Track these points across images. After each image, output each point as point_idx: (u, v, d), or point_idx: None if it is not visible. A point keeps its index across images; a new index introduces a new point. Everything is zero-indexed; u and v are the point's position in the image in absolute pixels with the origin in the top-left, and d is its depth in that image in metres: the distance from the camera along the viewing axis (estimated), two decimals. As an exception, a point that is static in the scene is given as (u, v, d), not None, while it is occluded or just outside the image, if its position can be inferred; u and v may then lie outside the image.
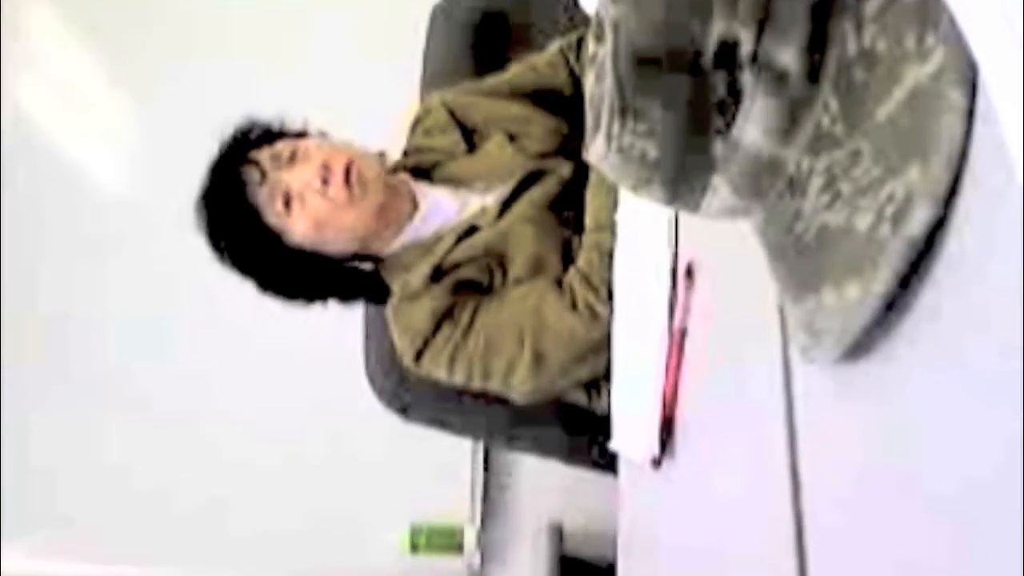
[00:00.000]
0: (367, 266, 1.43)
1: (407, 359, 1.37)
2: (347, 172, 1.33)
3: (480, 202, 1.42)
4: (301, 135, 1.43)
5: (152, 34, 2.66)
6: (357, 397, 1.70)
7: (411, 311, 1.36)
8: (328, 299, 1.46)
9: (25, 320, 2.52)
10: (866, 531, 0.49)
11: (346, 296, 1.47)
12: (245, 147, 1.38)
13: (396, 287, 1.39)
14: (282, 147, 1.37)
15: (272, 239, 1.35)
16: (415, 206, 1.41)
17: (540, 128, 1.45)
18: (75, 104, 2.70)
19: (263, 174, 1.34)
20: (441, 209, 1.42)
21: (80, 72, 2.70)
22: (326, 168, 1.32)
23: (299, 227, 1.34)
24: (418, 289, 1.35)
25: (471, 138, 1.48)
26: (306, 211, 1.33)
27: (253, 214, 1.34)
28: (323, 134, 1.44)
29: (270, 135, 1.41)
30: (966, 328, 0.41)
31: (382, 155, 1.48)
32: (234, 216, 1.35)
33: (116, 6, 2.67)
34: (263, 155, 1.35)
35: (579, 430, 1.54)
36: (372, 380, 1.67)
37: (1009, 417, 0.36)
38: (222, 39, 2.60)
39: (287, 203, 1.33)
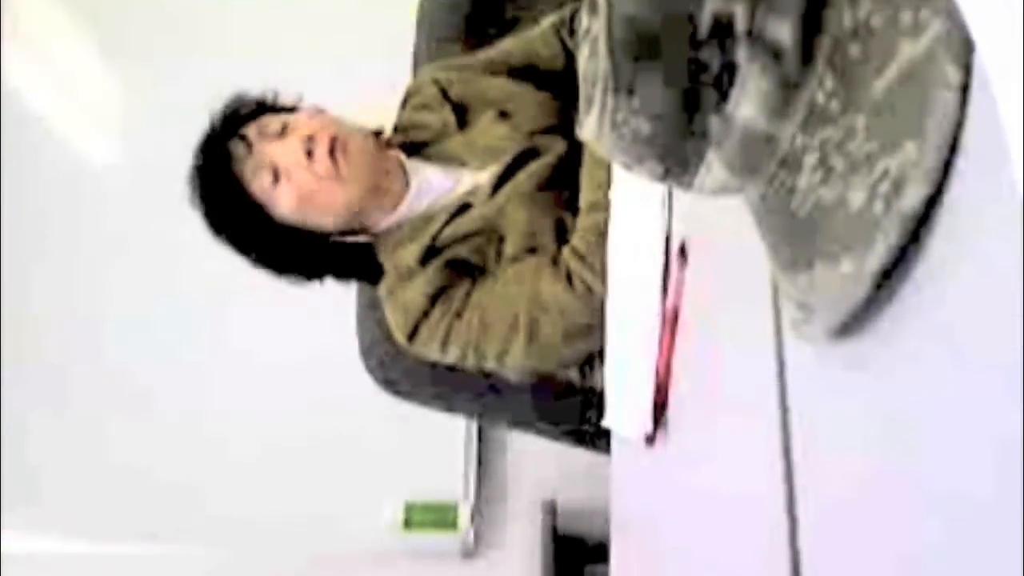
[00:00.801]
0: (362, 239, 1.42)
1: (400, 338, 1.37)
2: (332, 145, 1.32)
3: (472, 180, 1.41)
4: (293, 110, 1.42)
5: (150, 19, 2.65)
6: (351, 375, 1.70)
7: (404, 290, 1.35)
8: (322, 276, 1.45)
9: (23, 315, 2.52)
10: (858, 509, 0.49)
11: (338, 273, 1.47)
12: (235, 122, 1.37)
13: (389, 265, 1.39)
14: (270, 120, 1.36)
15: (257, 212, 1.35)
16: (407, 184, 1.40)
17: (532, 105, 1.44)
18: (72, 91, 2.69)
19: (249, 147, 1.33)
20: (433, 187, 1.41)
21: (77, 59, 2.69)
22: (311, 140, 1.32)
23: (284, 201, 1.33)
24: (411, 268, 1.35)
25: (463, 115, 1.47)
26: (292, 184, 1.32)
27: (238, 187, 1.34)
28: (320, 110, 1.43)
29: (261, 108, 1.40)
30: (960, 306, 0.41)
31: (379, 133, 1.47)
32: (220, 189, 1.35)
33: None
34: (251, 129, 1.35)
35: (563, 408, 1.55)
36: (366, 358, 1.67)
37: (1003, 396, 0.36)
38: (220, 24, 2.59)
39: (276, 177, 1.32)
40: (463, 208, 1.37)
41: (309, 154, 1.31)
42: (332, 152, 1.32)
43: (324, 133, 1.33)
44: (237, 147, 1.34)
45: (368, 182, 1.35)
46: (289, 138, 1.33)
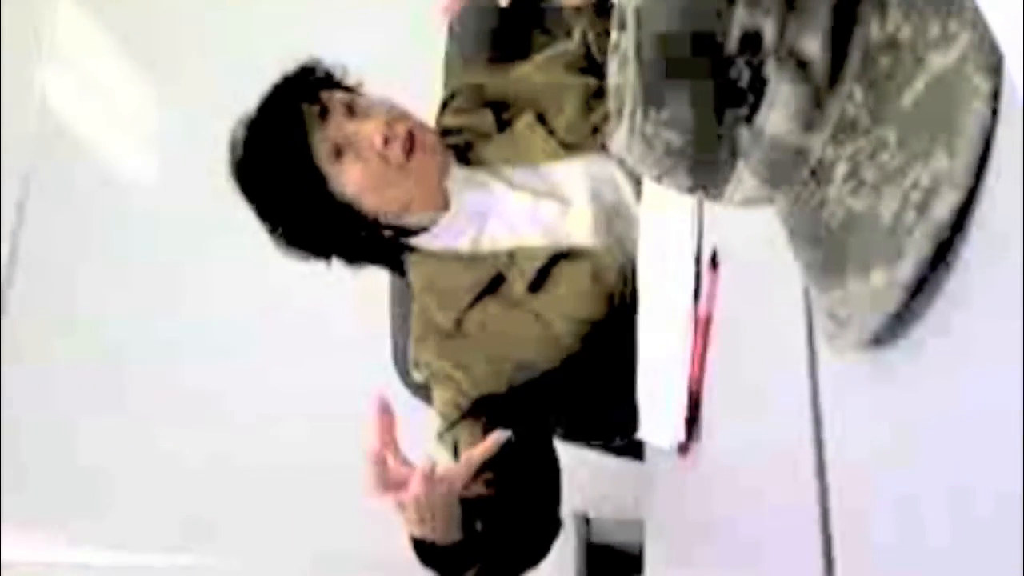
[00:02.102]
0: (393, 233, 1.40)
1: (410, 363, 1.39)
2: (409, 138, 1.31)
3: (510, 225, 1.38)
4: (356, 92, 1.39)
5: (184, 36, 2.69)
6: (380, 384, 1.71)
7: (424, 344, 1.36)
8: (332, 256, 1.40)
9: (59, 318, 2.56)
10: (891, 520, 0.49)
11: (353, 257, 1.41)
12: (311, 84, 1.34)
13: (418, 285, 1.39)
14: (342, 96, 1.34)
15: (318, 182, 1.31)
16: (446, 197, 1.39)
17: (571, 101, 1.43)
18: (108, 108, 2.73)
19: (325, 115, 1.31)
20: (472, 210, 1.40)
21: (113, 76, 2.74)
22: (390, 127, 1.30)
23: (350, 179, 1.30)
24: (438, 331, 1.35)
25: (500, 116, 1.46)
26: (360, 164, 1.30)
27: (305, 151, 1.30)
28: (387, 98, 1.41)
29: (330, 81, 1.38)
30: (993, 315, 0.41)
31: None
32: (282, 146, 1.30)
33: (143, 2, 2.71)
34: (326, 97, 1.32)
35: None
36: (396, 364, 1.67)
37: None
38: (251, 39, 2.63)
39: (340, 152, 1.31)
40: (495, 285, 1.35)
41: (386, 141, 1.30)
42: (407, 143, 1.31)
43: (403, 124, 1.32)
44: (311, 111, 1.31)
45: (431, 181, 1.34)
46: (366, 120, 1.31)
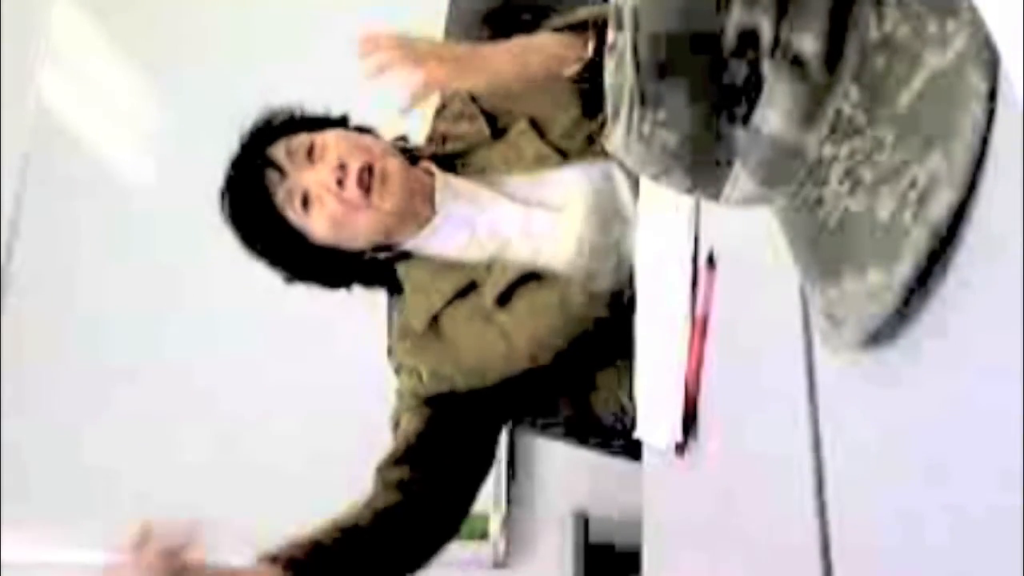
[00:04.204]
0: (389, 254, 1.44)
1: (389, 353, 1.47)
2: (363, 172, 1.32)
3: (490, 234, 1.41)
4: (321, 123, 1.42)
5: (183, 38, 2.69)
6: (378, 383, 1.71)
7: (398, 339, 1.44)
8: (352, 285, 1.48)
9: (56, 318, 2.56)
10: (889, 517, 0.49)
11: (369, 282, 1.49)
12: (264, 141, 1.37)
13: (403, 300, 1.44)
14: (300, 142, 1.35)
15: (296, 238, 1.36)
16: (433, 209, 1.40)
17: (566, 108, 1.44)
18: (106, 109, 2.73)
19: (282, 174, 1.34)
20: (457, 221, 1.41)
21: (111, 78, 2.73)
22: (342, 168, 1.31)
23: (318, 227, 1.34)
24: (414, 332, 1.42)
25: (495, 124, 1.47)
26: (323, 212, 1.33)
27: (277, 216, 1.35)
28: (344, 118, 1.44)
29: (290, 125, 1.41)
30: (989, 315, 0.41)
31: (403, 138, 1.47)
32: (258, 218, 1.36)
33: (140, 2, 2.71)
34: (280, 152, 1.35)
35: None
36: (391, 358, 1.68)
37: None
38: (250, 41, 2.62)
39: (305, 203, 1.34)
40: (468, 290, 1.39)
41: (339, 183, 1.32)
42: (362, 179, 1.32)
43: (356, 160, 1.32)
44: (271, 174, 1.35)
45: (398, 208, 1.35)
46: (320, 164, 1.33)
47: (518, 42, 1.34)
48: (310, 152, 1.34)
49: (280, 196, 1.34)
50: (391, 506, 1.33)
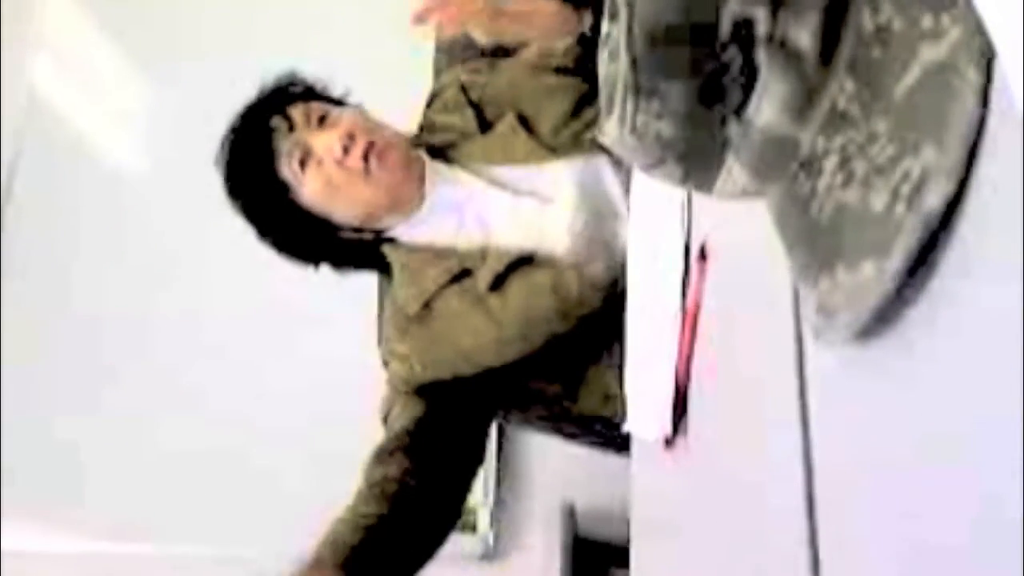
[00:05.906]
0: (371, 236, 1.44)
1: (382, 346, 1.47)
2: (368, 148, 1.35)
3: (479, 221, 1.41)
4: (339, 103, 1.44)
5: (177, 26, 2.68)
6: (370, 375, 1.71)
7: (390, 326, 1.44)
8: (321, 262, 1.47)
9: (52, 314, 2.55)
10: (879, 512, 0.49)
11: (339, 263, 1.49)
12: (283, 97, 1.40)
13: (396, 281, 1.43)
14: (318, 107, 1.39)
15: (281, 190, 1.37)
16: (423, 197, 1.41)
17: (555, 104, 1.45)
18: (99, 97, 2.72)
19: (291, 127, 1.36)
20: (446, 206, 1.42)
21: (104, 66, 2.72)
22: (350, 137, 1.35)
23: (309, 188, 1.36)
24: (406, 317, 1.41)
25: (483, 117, 1.48)
26: (320, 174, 1.35)
27: (269, 161, 1.36)
28: (359, 108, 1.46)
29: (309, 93, 1.43)
30: (982, 309, 0.41)
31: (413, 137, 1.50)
32: (250, 158, 1.37)
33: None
34: (296, 110, 1.37)
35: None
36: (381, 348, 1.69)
37: None
38: (247, 29, 2.62)
39: (303, 162, 1.35)
40: (462, 275, 1.39)
41: (345, 150, 1.34)
42: (367, 154, 1.34)
43: (364, 135, 1.36)
44: (280, 124, 1.37)
45: (394, 189, 1.38)
46: (330, 131, 1.36)
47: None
48: (323, 119, 1.36)
49: (282, 148, 1.36)
50: (396, 495, 1.33)
